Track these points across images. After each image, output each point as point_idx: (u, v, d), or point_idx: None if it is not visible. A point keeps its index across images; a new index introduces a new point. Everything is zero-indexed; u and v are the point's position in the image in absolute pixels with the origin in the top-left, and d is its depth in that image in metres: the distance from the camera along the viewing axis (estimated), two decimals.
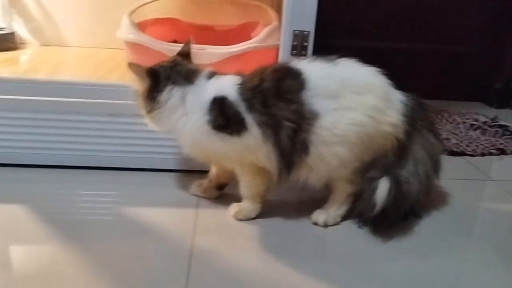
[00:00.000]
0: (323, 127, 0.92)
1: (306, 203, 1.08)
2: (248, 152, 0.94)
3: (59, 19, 1.69)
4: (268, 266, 0.86)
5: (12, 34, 1.62)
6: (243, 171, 0.99)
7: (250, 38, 1.26)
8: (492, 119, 1.77)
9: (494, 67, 2.04)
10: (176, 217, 1.01)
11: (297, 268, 0.86)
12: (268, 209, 1.03)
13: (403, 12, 1.94)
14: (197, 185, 1.11)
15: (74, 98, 1.14)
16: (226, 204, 1.04)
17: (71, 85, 1.14)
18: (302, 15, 1.08)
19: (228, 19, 1.65)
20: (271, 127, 0.92)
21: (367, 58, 0.99)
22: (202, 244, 0.92)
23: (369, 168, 0.97)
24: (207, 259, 0.87)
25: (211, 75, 0.98)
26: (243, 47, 1.19)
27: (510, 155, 1.50)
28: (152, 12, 1.52)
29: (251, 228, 0.99)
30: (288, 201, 1.12)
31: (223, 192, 1.10)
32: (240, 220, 1.01)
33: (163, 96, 0.95)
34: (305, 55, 1.11)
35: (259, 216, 1.02)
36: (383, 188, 0.94)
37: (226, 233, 0.97)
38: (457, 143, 1.54)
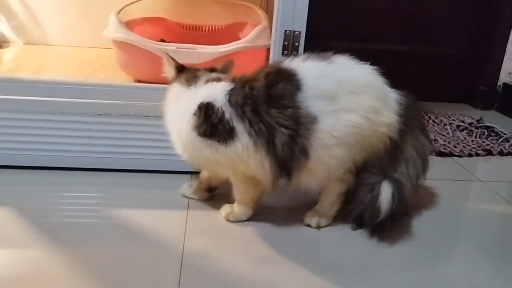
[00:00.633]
0: (323, 131, 0.89)
1: (298, 205, 1.08)
2: (238, 161, 0.91)
3: (43, 17, 1.66)
4: (261, 269, 0.85)
5: None
6: (236, 178, 0.97)
7: (238, 38, 1.25)
8: (478, 120, 1.79)
9: (480, 69, 2.06)
10: (167, 219, 0.99)
11: (290, 271, 0.85)
12: (261, 210, 1.02)
13: (391, 15, 1.95)
14: (187, 186, 1.09)
15: (59, 97, 1.11)
16: (218, 206, 1.03)
17: (57, 84, 1.11)
18: (293, 15, 1.07)
19: (216, 19, 1.64)
20: (264, 135, 0.88)
21: (355, 59, 0.97)
22: (193, 246, 0.90)
23: (363, 169, 0.96)
24: (198, 262, 0.85)
25: (211, 80, 0.95)
26: (233, 47, 1.18)
27: (496, 156, 1.51)
28: (139, 11, 1.49)
29: (243, 230, 0.97)
30: (280, 203, 1.11)
31: (214, 194, 1.09)
32: (231, 221, 0.99)
33: (168, 92, 0.98)
34: (296, 55, 1.10)
35: (251, 217, 1.00)
36: (386, 193, 0.92)
37: (218, 235, 0.95)
38: (444, 144, 1.55)
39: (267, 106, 0.88)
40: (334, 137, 0.90)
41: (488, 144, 1.58)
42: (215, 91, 0.91)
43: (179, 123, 0.92)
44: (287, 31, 1.08)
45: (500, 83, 2.05)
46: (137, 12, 1.48)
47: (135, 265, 0.83)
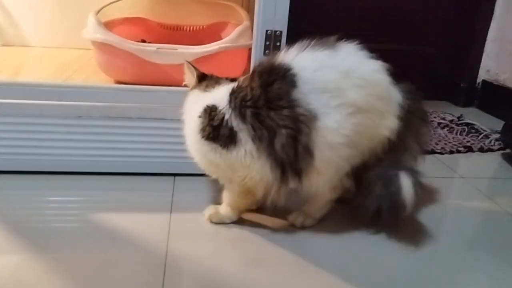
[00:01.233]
0: (328, 128, 0.84)
1: (285, 206, 1.05)
2: (239, 166, 0.88)
3: (20, 18, 1.63)
4: (247, 272, 0.84)
5: None
6: (231, 186, 0.94)
7: (220, 38, 1.24)
8: (458, 118, 1.82)
9: (459, 67, 2.09)
10: (150, 222, 0.98)
11: (278, 273, 0.85)
12: (247, 212, 1.01)
13: (371, 14, 1.97)
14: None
15: (38, 100, 1.08)
16: (202, 208, 1.01)
17: (35, 87, 1.09)
18: (274, 15, 1.06)
19: (197, 18, 1.63)
20: (266, 140, 0.85)
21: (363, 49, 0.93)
22: (177, 249, 0.89)
23: (363, 169, 0.93)
24: (182, 265, 0.85)
25: (221, 83, 0.94)
26: (215, 47, 1.17)
27: (477, 153, 1.54)
28: (119, 11, 1.48)
29: (228, 232, 0.97)
30: (265, 203, 1.10)
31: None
32: (214, 223, 0.98)
33: (187, 98, 0.98)
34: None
35: (238, 219, 0.99)
36: (407, 185, 0.89)
37: (202, 238, 0.94)
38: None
39: (267, 108, 0.85)
40: (343, 135, 0.85)
41: (468, 141, 1.60)
42: (220, 94, 0.90)
43: (190, 126, 0.92)
44: (268, 31, 1.08)
45: (479, 80, 2.09)
46: (117, 12, 1.46)
47: (117, 269, 0.82)
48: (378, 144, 0.92)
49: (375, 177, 0.92)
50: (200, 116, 0.89)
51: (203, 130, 0.89)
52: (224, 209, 0.99)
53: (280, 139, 0.84)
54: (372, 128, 0.89)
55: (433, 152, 1.50)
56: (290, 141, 0.84)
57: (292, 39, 1.12)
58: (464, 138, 1.63)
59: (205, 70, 1.17)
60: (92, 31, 1.19)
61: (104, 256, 0.86)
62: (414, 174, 0.92)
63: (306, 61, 0.86)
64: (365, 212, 0.94)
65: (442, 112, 1.89)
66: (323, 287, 0.82)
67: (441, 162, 1.43)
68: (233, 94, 0.88)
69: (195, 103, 0.93)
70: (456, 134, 1.67)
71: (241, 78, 0.92)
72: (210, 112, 0.88)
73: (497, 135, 1.60)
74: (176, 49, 1.17)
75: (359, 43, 0.91)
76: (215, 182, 0.98)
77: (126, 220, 0.98)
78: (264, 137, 0.85)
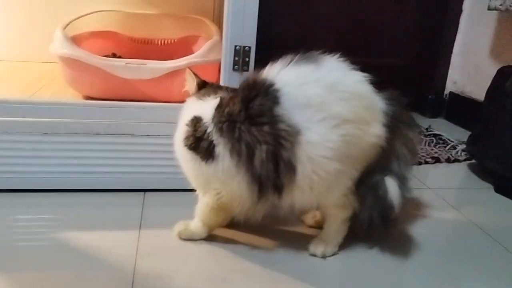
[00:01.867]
0: (312, 142, 0.83)
1: (260, 222, 1.05)
2: (217, 180, 0.88)
3: None
4: None
5: None
6: (204, 200, 0.94)
7: (191, 52, 1.25)
8: (426, 129, 1.86)
9: (427, 79, 2.15)
10: (118, 239, 0.97)
11: None
12: (219, 227, 1.00)
13: (340, 27, 2.00)
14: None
15: (3, 117, 1.06)
16: (172, 224, 1.00)
17: (1, 103, 1.06)
18: (243, 30, 1.07)
19: (168, 32, 1.63)
20: (244, 155, 0.84)
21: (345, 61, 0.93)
22: (145, 266, 0.88)
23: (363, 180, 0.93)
24: (150, 283, 0.83)
25: (218, 92, 0.94)
26: (184, 62, 1.17)
27: (444, 163, 1.57)
28: (88, 25, 1.46)
29: (197, 248, 0.96)
30: (236, 218, 1.10)
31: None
32: (183, 239, 0.97)
33: (184, 105, 0.98)
34: (247, 70, 1.10)
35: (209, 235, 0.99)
36: (393, 187, 0.90)
37: (171, 255, 0.93)
38: None
39: (248, 124, 0.84)
40: (328, 149, 0.84)
41: (436, 152, 1.64)
42: (207, 107, 0.90)
43: (178, 132, 0.93)
44: (237, 47, 1.09)
45: (446, 92, 2.14)
46: (86, 26, 1.45)
47: None
48: (370, 152, 0.91)
49: (365, 189, 0.93)
50: (187, 125, 0.91)
51: (187, 139, 0.90)
52: (195, 224, 0.98)
53: (260, 155, 0.84)
54: (360, 136, 0.88)
55: None
56: (270, 157, 0.84)
57: (262, 54, 1.14)
58: (432, 149, 1.67)
59: (176, 84, 1.18)
60: (59, 46, 1.17)
61: (71, 275, 0.84)
62: (400, 178, 0.93)
63: (290, 77, 0.86)
64: (361, 226, 0.95)
65: None
66: None
67: None
68: (217, 108, 0.88)
69: (188, 110, 0.94)
70: (425, 145, 1.71)
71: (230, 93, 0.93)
72: (196, 123, 0.89)
73: (464, 146, 1.64)
74: (146, 64, 1.17)
75: (341, 56, 0.92)
76: (186, 197, 0.97)
77: (94, 237, 0.96)
78: (243, 152, 0.84)
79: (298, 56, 0.89)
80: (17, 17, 1.61)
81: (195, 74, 0.98)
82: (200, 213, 0.96)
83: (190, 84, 0.99)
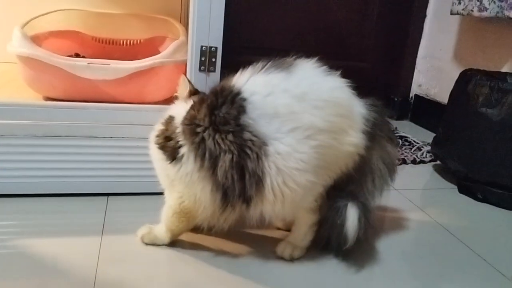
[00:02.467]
0: (280, 153, 0.81)
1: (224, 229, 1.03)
2: (181, 183, 0.87)
3: None
4: None
5: None
6: (168, 202, 0.92)
7: (158, 53, 1.22)
8: (392, 131, 1.88)
9: (393, 82, 2.18)
10: (79, 246, 0.93)
11: None
12: (187, 232, 0.97)
13: (307, 30, 2.02)
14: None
15: None
16: (136, 229, 0.97)
17: None
18: (209, 31, 1.06)
19: (135, 32, 1.59)
20: (207, 162, 0.82)
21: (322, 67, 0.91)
22: (106, 274, 0.85)
23: (332, 194, 0.91)
24: None
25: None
26: (149, 63, 1.14)
27: (410, 165, 1.60)
28: (51, 25, 1.41)
29: (164, 254, 0.93)
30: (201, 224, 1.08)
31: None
32: (146, 244, 0.95)
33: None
34: (213, 70, 1.09)
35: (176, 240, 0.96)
36: (351, 219, 0.88)
37: (134, 261, 0.90)
38: None
39: (212, 131, 0.82)
40: (299, 160, 0.82)
41: (402, 154, 1.66)
42: (182, 108, 0.89)
43: (154, 129, 0.92)
44: (203, 47, 1.07)
45: (412, 94, 2.19)
46: (49, 25, 1.40)
47: None
48: (346, 161, 0.89)
49: (331, 206, 0.91)
50: (162, 123, 0.90)
51: (158, 137, 0.89)
52: (159, 229, 0.95)
53: (223, 164, 0.81)
54: (335, 146, 0.86)
55: None
56: (235, 166, 0.81)
57: (229, 55, 1.12)
58: (398, 151, 1.69)
59: (140, 85, 1.15)
60: (17, 45, 1.12)
61: (28, 284, 0.80)
62: (363, 207, 0.91)
63: (258, 85, 0.83)
64: (319, 240, 0.95)
65: None
66: None
67: None
68: (188, 111, 0.87)
69: (169, 110, 0.93)
70: None
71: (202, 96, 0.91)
72: (169, 122, 0.89)
73: (429, 148, 1.67)
74: (109, 64, 1.13)
75: (318, 60, 0.90)
76: (152, 201, 0.95)
77: (53, 244, 0.93)
78: (206, 159, 0.82)
79: (270, 62, 0.86)
80: None
81: (190, 82, 0.96)
82: (164, 217, 0.94)
83: (182, 90, 0.96)
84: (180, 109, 0.89)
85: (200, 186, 0.84)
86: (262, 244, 0.99)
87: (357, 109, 0.90)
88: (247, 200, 0.84)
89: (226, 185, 0.82)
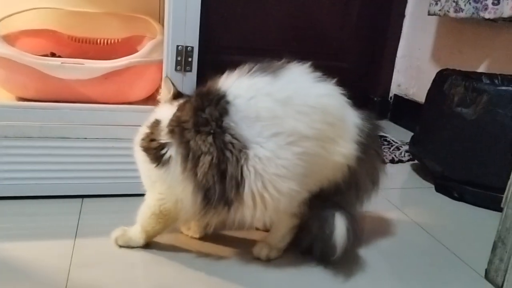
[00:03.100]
0: (260, 157, 0.80)
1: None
2: (163, 185, 0.86)
3: None
4: None
5: None
6: (146, 201, 0.91)
7: (136, 52, 1.20)
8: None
9: (373, 82, 2.20)
10: (51, 250, 0.91)
11: None
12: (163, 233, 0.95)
13: (287, 30, 2.01)
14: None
15: None
16: (110, 232, 0.95)
17: None
18: (185, 30, 1.05)
19: (112, 32, 1.57)
20: (190, 163, 0.81)
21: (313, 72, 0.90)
22: (78, 278, 0.83)
23: (317, 203, 0.89)
24: None
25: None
26: (125, 62, 1.12)
27: (389, 164, 1.61)
28: (25, 24, 1.38)
29: (139, 257, 0.92)
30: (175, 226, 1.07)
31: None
32: (120, 246, 0.93)
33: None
34: (190, 70, 1.08)
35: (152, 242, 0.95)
36: (339, 229, 0.86)
37: (108, 265, 0.89)
38: None
39: (194, 132, 0.82)
40: (280, 166, 0.80)
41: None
42: (168, 111, 0.88)
43: (139, 132, 0.91)
44: (179, 46, 1.06)
45: (391, 94, 2.21)
46: (23, 24, 1.37)
47: None
48: (335, 172, 0.87)
49: (315, 215, 0.90)
50: (147, 127, 0.89)
51: (143, 140, 0.88)
52: (134, 230, 0.94)
53: (203, 165, 0.81)
54: (324, 156, 0.84)
55: None
56: (214, 168, 0.80)
57: (207, 54, 1.11)
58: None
59: (116, 85, 1.13)
60: None
61: None
62: (351, 218, 0.90)
63: (242, 89, 0.82)
64: (298, 246, 0.94)
65: None
66: None
67: None
68: (175, 113, 0.87)
69: (154, 113, 0.92)
70: None
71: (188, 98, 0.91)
72: (155, 126, 0.88)
73: (407, 147, 1.68)
74: (83, 64, 1.11)
75: (309, 64, 0.89)
76: (128, 203, 0.94)
77: (25, 248, 0.91)
78: (189, 160, 0.82)
79: (257, 65, 0.85)
80: None
81: (173, 84, 0.94)
82: (140, 218, 0.93)
83: (165, 93, 0.95)
84: (165, 112, 0.88)
85: (182, 187, 0.84)
86: (240, 245, 0.99)
87: (350, 118, 0.88)
88: (228, 204, 0.83)
89: (206, 186, 0.81)
